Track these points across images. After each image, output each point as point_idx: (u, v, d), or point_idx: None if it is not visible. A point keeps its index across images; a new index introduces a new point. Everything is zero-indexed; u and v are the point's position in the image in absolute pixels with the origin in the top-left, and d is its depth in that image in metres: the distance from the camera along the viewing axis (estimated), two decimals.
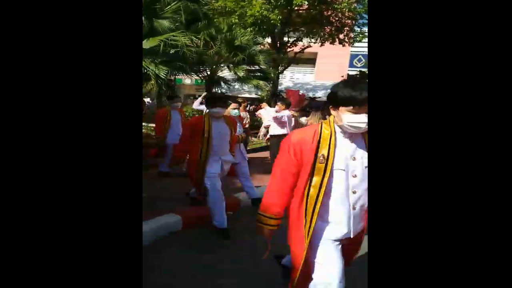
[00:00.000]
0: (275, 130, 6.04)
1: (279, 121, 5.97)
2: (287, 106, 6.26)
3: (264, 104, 8.29)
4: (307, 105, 7.22)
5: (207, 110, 3.63)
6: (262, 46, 11.97)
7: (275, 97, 10.54)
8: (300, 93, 7.62)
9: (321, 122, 1.80)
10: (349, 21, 13.97)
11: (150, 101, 14.93)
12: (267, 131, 6.89)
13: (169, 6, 7.63)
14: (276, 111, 6.09)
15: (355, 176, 1.70)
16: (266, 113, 7.25)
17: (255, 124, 10.97)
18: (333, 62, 19.24)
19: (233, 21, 11.31)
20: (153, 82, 7.36)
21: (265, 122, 7.53)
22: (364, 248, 1.85)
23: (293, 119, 6.19)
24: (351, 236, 1.80)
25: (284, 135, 6.05)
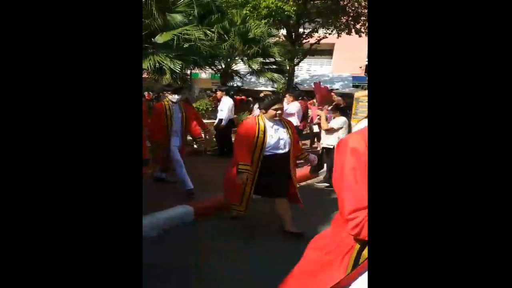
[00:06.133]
0: None
1: (287, 114, 6.05)
2: (296, 98, 6.23)
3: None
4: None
5: None
6: (277, 38, 11.86)
7: (291, 90, 10.46)
8: (328, 89, 6.94)
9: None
10: (366, 10, 13.66)
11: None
12: None
13: (182, 0, 7.65)
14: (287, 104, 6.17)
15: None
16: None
17: None
18: (351, 53, 18.91)
19: (245, 13, 11.21)
20: (168, 76, 7.42)
21: None
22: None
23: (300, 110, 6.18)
24: None
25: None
